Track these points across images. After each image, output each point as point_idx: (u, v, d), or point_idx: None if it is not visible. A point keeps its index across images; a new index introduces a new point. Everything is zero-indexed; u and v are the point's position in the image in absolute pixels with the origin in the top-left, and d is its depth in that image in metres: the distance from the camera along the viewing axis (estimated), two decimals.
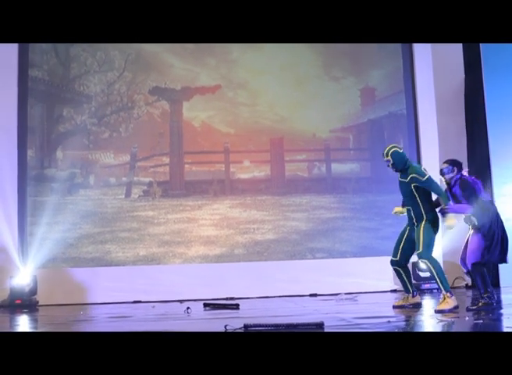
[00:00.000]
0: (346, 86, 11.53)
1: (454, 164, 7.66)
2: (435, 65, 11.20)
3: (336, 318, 6.86)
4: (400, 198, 8.12)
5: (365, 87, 11.58)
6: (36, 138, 10.91)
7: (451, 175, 7.60)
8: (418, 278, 10.52)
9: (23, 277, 9.97)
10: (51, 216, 10.43)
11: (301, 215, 11.04)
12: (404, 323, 6.37)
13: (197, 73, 11.34)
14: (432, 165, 11.02)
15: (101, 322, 7.63)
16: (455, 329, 5.84)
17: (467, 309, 7.24)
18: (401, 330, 5.55)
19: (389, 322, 6.26)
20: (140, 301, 10.03)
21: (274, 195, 11.11)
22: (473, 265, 7.37)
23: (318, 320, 6.05)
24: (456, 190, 7.52)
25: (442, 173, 7.68)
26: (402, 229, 8.05)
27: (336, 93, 11.48)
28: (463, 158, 10.72)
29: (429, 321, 6.61)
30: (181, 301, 9.67)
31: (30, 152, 10.77)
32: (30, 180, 10.65)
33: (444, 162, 7.77)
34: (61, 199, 10.65)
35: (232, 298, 9.88)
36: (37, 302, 9.92)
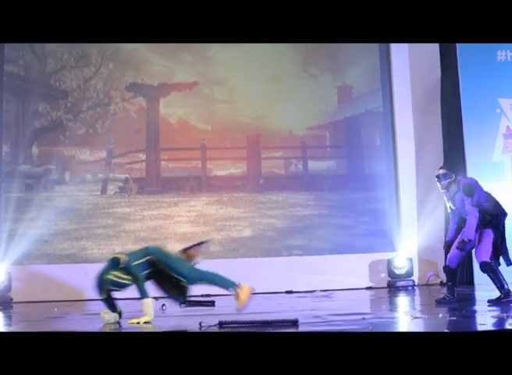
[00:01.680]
0: (323, 83, 11.55)
1: (451, 169, 7.57)
2: (411, 63, 11.25)
3: (311, 315, 6.89)
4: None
5: (342, 84, 11.60)
6: (11, 134, 10.82)
7: (448, 180, 7.49)
8: (393, 275, 10.59)
9: None
10: (25, 212, 10.35)
11: (277, 212, 11.05)
12: (379, 320, 6.39)
13: (174, 69, 11.31)
14: (407, 164, 11.14)
15: (76, 319, 7.59)
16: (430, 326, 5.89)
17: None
18: (375, 327, 5.57)
19: (363, 319, 6.29)
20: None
21: (250, 192, 11.10)
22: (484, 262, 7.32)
23: (292, 317, 6.07)
24: (460, 197, 7.38)
25: (438, 179, 7.54)
26: None
27: (313, 90, 11.49)
28: (439, 156, 10.82)
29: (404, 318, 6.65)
30: (156, 298, 9.60)
31: (4, 148, 10.68)
32: (5, 176, 10.56)
33: (440, 168, 7.66)
34: (36, 195, 10.58)
35: (208, 296, 9.84)
36: (12, 299, 9.84)
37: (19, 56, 10.93)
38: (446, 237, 7.95)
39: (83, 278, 10.07)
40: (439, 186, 7.56)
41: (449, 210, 7.70)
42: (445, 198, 7.66)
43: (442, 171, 7.54)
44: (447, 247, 7.69)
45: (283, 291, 10.28)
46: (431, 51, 11.08)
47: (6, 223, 10.34)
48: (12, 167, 10.67)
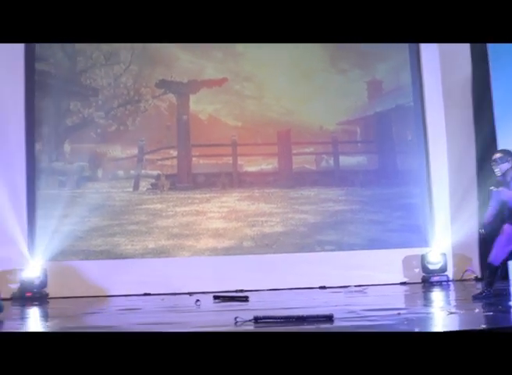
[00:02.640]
0: (352, 79, 11.50)
1: (509, 154, 7.38)
2: (441, 57, 11.17)
3: (345, 310, 6.87)
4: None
5: (372, 79, 11.55)
6: (43, 132, 10.90)
7: (506, 165, 7.32)
8: (427, 271, 10.54)
9: (32, 270, 9.99)
10: (60, 209, 10.42)
11: (309, 207, 11.03)
12: (414, 315, 6.35)
13: (203, 66, 11.32)
14: (439, 158, 11.07)
15: (112, 314, 7.64)
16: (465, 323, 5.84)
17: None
18: (410, 323, 5.54)
19: (398, 314, 6.26)
20: (149, 294, 10.03)
21: (282, 188, 11.10)
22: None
23: (327, 313, 6.06)
24: None
25: (495, 162, 7.36)
26: None
27: (342, 86, 11.45)
28: (471, 150, 10.75)
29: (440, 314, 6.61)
30: (190, 294, 9.68)
31: (38, 146, 10.77)
32: (39, 173, 10.65)
33: (497, 152, 7.50)
34: (69, 192, 10.65)
35: (241, 291, 9.88)
36: (47, 295, 9.95)
37: (50, 55, 11.00)
38: (484, 219, 7.76)
39: (117, 274, 10.23)
40: (497, 170, 7.36)
41: (492, 193, 7.48)
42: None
43: (498, 155, 7.37)
44: (483, 231, 7.61)
45: (316, 286, 10.26)
46: (461, 44, 10.98)
47: (41, 220, 10.42)
48: (46, 164, 10.76)
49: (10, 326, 6.78)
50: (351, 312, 6.65)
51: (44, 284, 9.95)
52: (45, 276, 9.98)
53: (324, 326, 5.44)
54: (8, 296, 9.98)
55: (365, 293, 9.14)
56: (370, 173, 11.25)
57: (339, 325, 5.62)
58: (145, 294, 10.01)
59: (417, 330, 5.05)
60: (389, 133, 11.44)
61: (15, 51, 10.49)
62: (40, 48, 10.88)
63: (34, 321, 7.40)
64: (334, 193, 11.14)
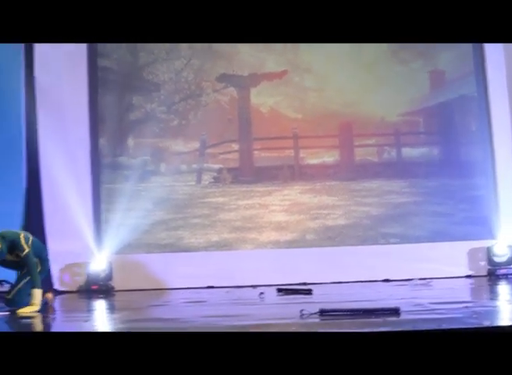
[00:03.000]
0: (414, 69, 11.34)
1: None
2: (505, 45, 10.94)
3: (412, 303, 6.81)
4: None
5: (434, 69, 11.38)
6: (107, 127, 11.05)
7: None
8: (493, 263, 10.36)
9: (98, 263, 10.16)
10: (124, 202, 10.56)
11: (372, 200, 10.94)
12: (481, 308, 6.26)
13: (263, 59, 11.32)
14: (504, 149, 10.85)
15: (177, 307, 7.72)
16: None
17: None
18: (479, 316, 5.46)
19: (466, 307, 6.18)
20: (213, 287, 10.10)
21: (344, 180, 11.04)
22: None
23: (393, 306, 6.01)
24: None
25: None
26: None
27: (404, 76, 11.29)
28: None
29: None
30: (254, 287, 9.71)
31: (101, 141, 10.93)
32: (103, 168, 10.81)
33: None
34: (134, 186, 10.78)
35: (304, 284, 9.87)
36: (113, 288, 10.10)
37: (112, 51, 11.14)
38: None
39: (181, 267, 10.33)
40: None
41: None
42: None
43: None
44: None
45: (380, 279, 10.18)
46: None
47: (106, 214, 10.59)
48: (110, 159, 10.92)
49: (78, 319, 6.92)
50: (418, 305, 6.59)
51: (109, 277, 10.11)
52: (111, 269, 10.14)
53: (390, 320, 5.40)
54: (74, 289, 10.19)
55: (430, 286, 9.04)
56: (433, 165, 11.10)
57: (406, 318, 5.57)
58: (209, 287, 10.08)
59: (486, 323, 4.97)
60: (453, 124, 11.26)
61: (78, 48, 10.65)
62: (102, 44, 11.01)
63: (100, 313, 7.52)
64: (397, 185, 11.03)
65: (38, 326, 6.28)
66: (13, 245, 7.27)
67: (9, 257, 7.36)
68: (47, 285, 9.25)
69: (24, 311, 7.15)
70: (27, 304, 7.37)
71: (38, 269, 7.49)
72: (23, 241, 7.31)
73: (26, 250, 7.29)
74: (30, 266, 7.30)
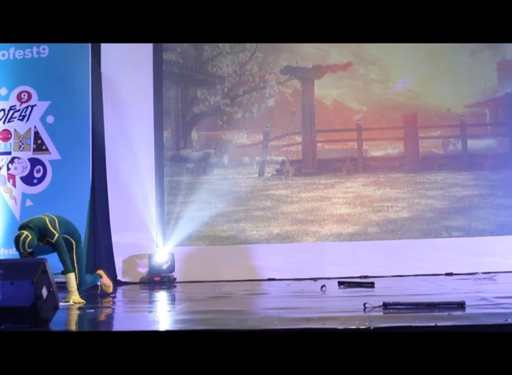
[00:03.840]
0: (481, 59, 11.14)
1: None
2: None
3: (477, 297, 6.70)
4: None
5: (502, 59, 11.16)
6: (171, 120, 11.18)
7: None
8: None
9: (161, 255, 10.29)
10: (187, 195, 10.69)
11: (436, 192, 10.81)
12: None
13: (327, 50, 11.27)
14: None
15: (239, 298, 7.76)
16: None
17: None
18: None
19: None
20: (274, 279, 10.13)
21: (408, 173, 10.93)
22: None
23: (458, 300, 5.93)
24: None
25: None
26: None
27: (471, 67, 11.12)
28: None
29: None
30: (315, 279, 9.71)
31: (165, 134, 11.06)
32: (167, 160, 10.95)
33: None
34: (196, 179, 10.89)
35: (366, 277, 9.83)
36: (175, 279, 10.22)
37: (177, 44, 11.25)
38: None
39: (242, 259, 10.39)
40: None
41: None
42: None
43: None
44: None
45: (443, 273, 10.07)
46: None
47: (170, 206, 10.72)
48: (174, 152, 11.04)
49: (141, 309, 7.02)
50: (483, 300, 6.48)
51: (171, 269, 10.22)
52: (173, 260, 10.24)
53: (456, 314, 5.33)
54: (137, 280, 10.36)
55: (494, 280, 8.88)
56: (500, 157, 10.90)
57: (471, 312, 5.50)
58: (270, 280, 10.12)
59: None
60: None
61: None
62: None
63: (163, 304, 7.61)
64: (462, 177, 10.87)
65: (101, 319, 6.36)
66: (43, 233, 7.30)
67: (41, 244, 7.42)
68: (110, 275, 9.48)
69: (75, 300, 7.23)
70: (91, 282, 7.57)
71: (74, 250, 7.57)
72: (50, 227, 7.29)
73: (56, 235, 7.28)
74: (60, 250, 7.30)
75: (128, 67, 10.80)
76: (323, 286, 8.18)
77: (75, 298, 7.19)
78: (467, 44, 11.03)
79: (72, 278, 7.31)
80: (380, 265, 10.16)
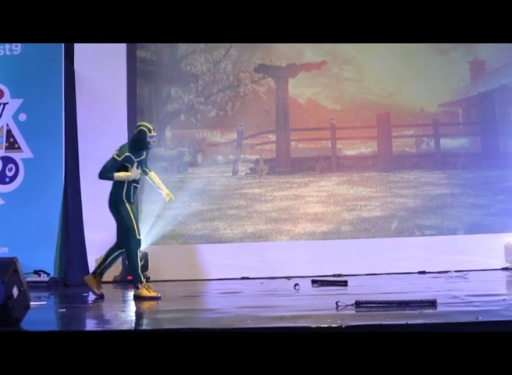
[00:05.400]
0: (454, 59, 11.23)
1: None
2: None
3: (448, 295, 6.75)
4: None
5: (475, 59, 11.24)
6: (145, 118, 11.08)
7: None
8: None
9: None
10: (160, 194, 10.63)
11: (409, 191, 10.87)
12: None
13: (302, 49, 11.28)
14: None
15: (213, 297, 7.76)
16: None
17: None
18: None
19: (504, 300, 6.11)
20: (247, 278, 10.14)
21: (381, 172, 10.98)
22: None
23: (430, 298, 5.97)
24: None
25: None
26: None
27: (444, 66, 11.19)
28: None
29: None
30: (288, 278, 9.73)
31: None
32: None
33: None
34: (170, 177, 10.83)
35: (339, 275, 9.87)
36: (149, 278, 10.14)
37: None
38: None
39: (216, 258, 10.38)
40: None
41: None
42: None
43: None
44: None
45: (416, 271, 10.14)
46: None
47: (144, 205, 10.66)
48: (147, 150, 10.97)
49: (114, 309, 6.98)
50: (454, 298, 6.53)
51: (145, 268, 10.13)
52: (146, 259, 10.18)
53: (427, 312, 5.36)
54: (110, 279, 10.29)
55: (466, 278, 8.95)
56: (472, 156, 10.99)
57: (442, 310, 5.54)
58: (243, 278, 10.12)
59: None
60: (493, 115, 11.14)
61: None
62: None
63: (135, 304, 7.58)
64: (435, 176, 10.94)
65: (72, 319, 6.33)
66: None
67: None
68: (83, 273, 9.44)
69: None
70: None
71: None
72: None
73: None
74: None
75: (102, 65, 10.73)
76: (296, 284, 8.20)
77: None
78: (440, 43, 11.10)
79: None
80: (353, 263, 10.20)
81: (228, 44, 11.23)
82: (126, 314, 6.39)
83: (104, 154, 10.31)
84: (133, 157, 7.49)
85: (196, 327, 4.80)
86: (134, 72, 11.09)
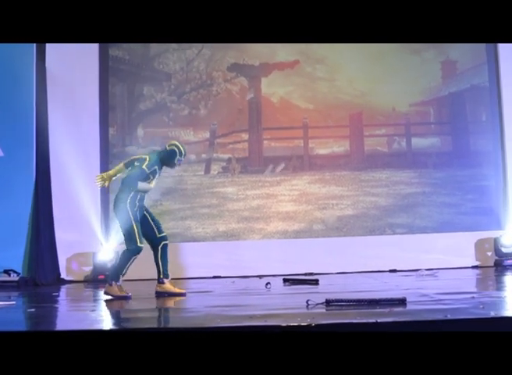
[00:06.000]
0: (426, 59, 11.32)
1: None
2: None
3: (418, 294, 6.79)
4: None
5: (446, 59, 11.34)
6: (117, 117, 11.10)
7: None
8: (501, 254, 10.35)
9: (106, 253, 10.20)
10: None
11: (381, 190, 10.94)
12: (488, 299, 6.24)
13: (275, 48, 11.30)
14: None
15: (183, 296, 7.72)
16: None
17: None
18: (486, 307, 5.44)
19: (473, 298, 6.16)
20: (219, 277, 10.14)
21: (353, 170, 11.03)
22: None
23: (400, 296, 6.01)
24: None
25: None
26: None
27: (416, 66, 11.28)
28: None
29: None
30: (260, 277, 9.74)
31: (111, 131, 10.97)
32: (112, 157, 10.84)
33: None
34: None
35: (311, 274, 9.90)
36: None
37: None
38: None
39: (188, 257, 10.37)
40: None
41: None
42: None
43: None
44: None
45: (387, 269, 10.21)
46: None
47: (111, 204, 10.60)
48: (119, 149, 10.96)
49: (85, 308, 6.95)
50: (424, 296, 6.57)
51: None
52: (117, 259, 10.13)
53: (397, 310, 5.39)
54: (81, 278, 10.25)
55: (436, 276, 9.02)
56: (443, 155, 11.09)
57: (412, 308, 5.57)
58: (215, 277, 10.12)
59: (492, 314, 4.96)
60: (464, 114, 11.24)
61: None
62: None
63: (107, 303, 7.54)
64: (406, 175, 11.02)
65: (42, 319, 6.29)
66: None
67: None
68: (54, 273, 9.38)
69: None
70: None
71: None
72: None
73: None
74: None
75: (74, 63, 10.70)
76: (268, 283, 8.21)
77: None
78: (413, 43, 11.17)
79: None
80: (325, 262, 10.26)
81: (201, 44, 11.21)
82: (96, 314, 6.35)
83: (75, 153, 10.35)
84: (158, 171, 7.48)
85: (164, 327, 4.79)
86: (107, 70, 11.05)
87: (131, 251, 7.37)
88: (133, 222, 7.32)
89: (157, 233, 7.63)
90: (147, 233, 7.55)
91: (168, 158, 7.54)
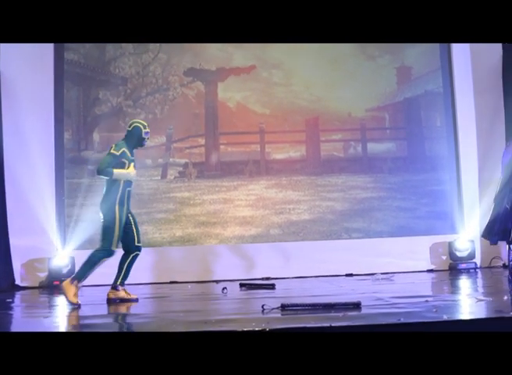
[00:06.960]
0: (382, 64, 11.42)
1: None
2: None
3: (373, 297, 6.85)
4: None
5: (401, 65, 11.46)
6: (72, 121, 10.98)
7: None
8: (455, 258, 10.48)
9: (61, 259, 10.08)
10: (88, 197, 10.45)
11: (337, 195, 11.00)
12: (442, 302, 6.31)
13: (231, 53, 11.31)
14: (469, 144, 10.96)
15: (140, 302, 7.67)
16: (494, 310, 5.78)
17: None
18: (439, 310, 5.50)
19: (426, 301, 6.23)
20: (176, 282, 10.09)
21: (309, 175, 11.08)
22: None
23: (355, 300, 6.05)
24: None
25: None
26: None
27: (371, 72, 11.37)
28: (501, 136, 10.61)
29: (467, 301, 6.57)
30: (217, 282, 9.72)
31: (66, 135, 10.85)
32: (67, 162, 10.73)
33: None
34: (98, 181, 10.66)
35: (268, 278, 9.91)
36: None
37: (80, 44, 11.05)
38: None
39: (145, 262, 10.26)
40: None
41: None
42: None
43: None
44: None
45: (343, 273, 10.25)
46: None
47: (69, 209, 10.51)
48: (74, 154, 10.85)
49: (39, 314, 6.87)
50: (379, 300, 6.63)
51: (72, 273, 9.96)
52: (73, 264, 10.04)
53: (351, 314, 5.43)
54: (36, 284, 10.11)
55: (392, 280, 9.11)
56: (398, 160, 11.19)
57: (366, 312, 5.61)
58: (172, 282, 10.07)
59: (445, 317, 5.02)
60: (418, 120, 11.36)
61: None
62: None
63: (61, 309, 7.47)
64: (362, 180, 11.09)
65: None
66: None
67: None
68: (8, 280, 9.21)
69: None
70: None
71: None
72: None
73: None
74: None
75: (28, 66, 10.54)
76: (224, 288, 8.21)
77: None
78: (368, 49, 11.30)
79: None
80: (282, 266, 10.28)
81: (157, 47, 11.19)
82: (50, 320, 6.28)
83: (29, 157, 10.21)
84: (131, 154, 7.36)
85: (119, 331, 4.75)
86: (62, 74, 10.92)
87: (104, 253, 7.28)
88: (117, 224, 7.26)
89: (136, 241, 7.56)
90: (127, 237, 7.48)
91: (135, 136, 7.49)
